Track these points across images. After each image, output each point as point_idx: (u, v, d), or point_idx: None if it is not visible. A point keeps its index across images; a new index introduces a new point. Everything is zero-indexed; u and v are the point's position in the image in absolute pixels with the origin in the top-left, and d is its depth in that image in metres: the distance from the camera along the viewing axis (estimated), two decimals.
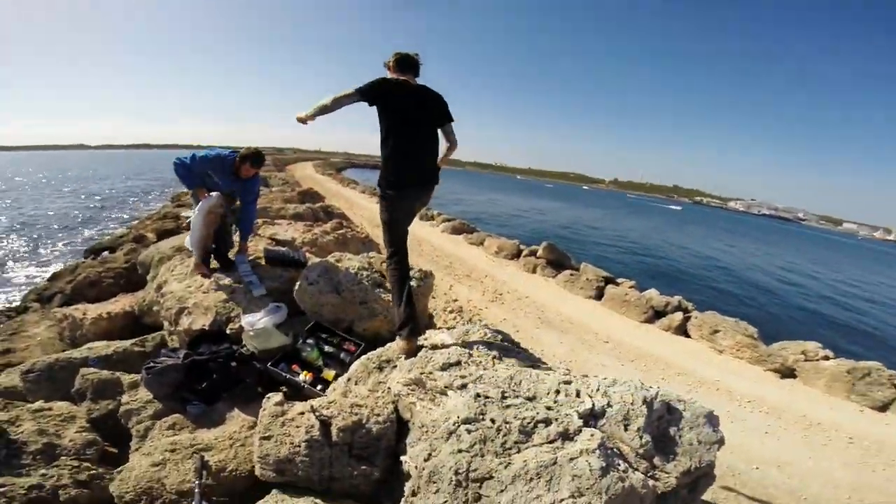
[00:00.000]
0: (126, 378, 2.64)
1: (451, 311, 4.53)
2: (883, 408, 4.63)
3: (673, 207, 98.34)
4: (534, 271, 8.80)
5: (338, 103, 2.41)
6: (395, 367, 2.26)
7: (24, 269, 10.59)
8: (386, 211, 2.61)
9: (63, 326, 4.06)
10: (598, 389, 1.93)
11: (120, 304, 4.20)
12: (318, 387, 2.42)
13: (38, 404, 2.46)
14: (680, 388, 4.68)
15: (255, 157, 3.41)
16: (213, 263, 3.69)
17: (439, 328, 3.64)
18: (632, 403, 1.83)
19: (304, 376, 2.47)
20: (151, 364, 2.36)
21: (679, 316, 6.54)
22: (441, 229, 12.26)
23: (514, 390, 1.86)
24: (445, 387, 1.90)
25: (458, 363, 2.12)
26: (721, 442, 1.84)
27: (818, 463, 3.57)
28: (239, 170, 3.42)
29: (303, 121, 2.47)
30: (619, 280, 8.01)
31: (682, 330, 6.44)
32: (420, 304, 3.22)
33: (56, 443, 2.25)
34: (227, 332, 2.94)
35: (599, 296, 7.57)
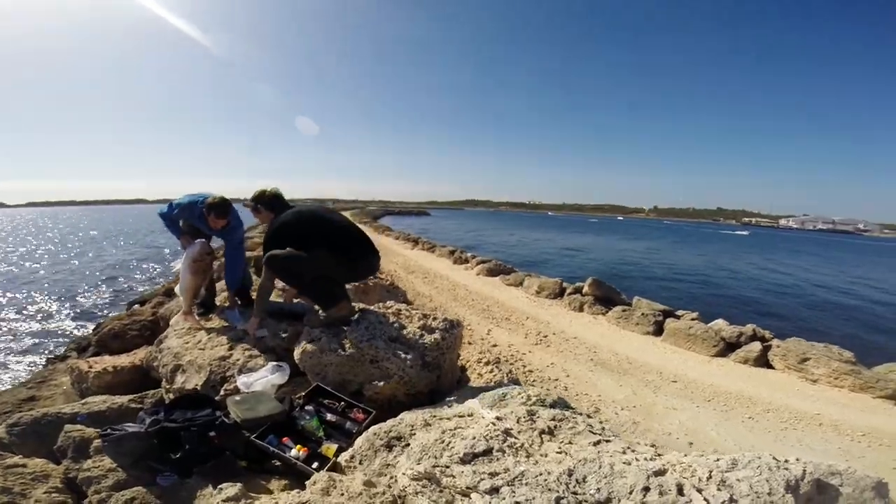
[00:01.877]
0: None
1: (486, 363, 3.94)
2: None
3: (739, 233, 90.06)
4: (580, 310, 8.10)
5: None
6: (408, 445, 1.73)
7: (80, 318, 10.87)
8: None
9: (72, 379, 3.87)
10: (710, 478, 1.32)
11: (129, 358, 3.93)
12: (315, 464, 1.93)
13: (13, 460, 2.20)
14: (773, 426, 4.05)
15: (219, 207, 3.17)
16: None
17: (470, 386, 3.07)
18: (769, 493, 1.22)
19: (296, 451, 1.98)
20: (108, 431, 1.99)
21: (757, 346, 5.81)
22: (476, 272, 11.74)
23: (576, 495, 1.27)
24: (468, 488, 1.35)
25: (489, 451, 1.54)
26: None
27: None
28: (207, 221, 3.20)
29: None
30: (679, 312, 7.27)
31: (762, 361, 5.71)
32: (447, 359, 2.68)
33: (18, 503, 1.95)
34: (223, 392, 2.55)
35: (658, 331, 6.85)
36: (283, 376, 2.59)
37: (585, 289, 8.48)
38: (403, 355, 2.46)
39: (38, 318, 10.95)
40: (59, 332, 9.76)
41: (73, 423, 2.55)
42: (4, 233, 44.92)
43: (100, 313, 11.06)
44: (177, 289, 3.50)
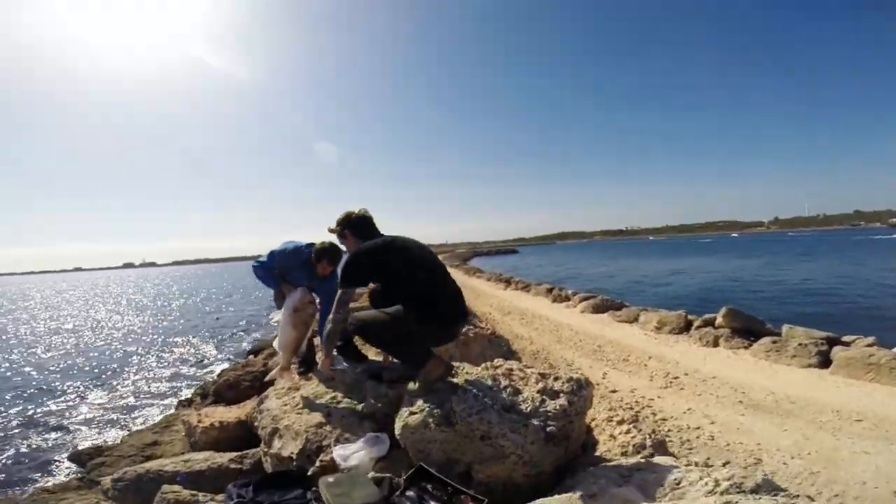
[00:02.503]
0: (206, 500, 2.28)
1: (620, 421, 3.23)
2: None
3: (884, 237, 71.33)
4: (715, 345, 6.91)
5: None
6: None
7: (211, 364, 11.85)
8: None
9: (184, 430, 3.95)
10: None
11: (236, 412, 3.90)
12: None
13: None
14: None
15: (332, 252, 3.01)
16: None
17: (605, 458, 2.45)
18: None
19: None
20: None
21: None
22: (580, 309, 10.79)
23: None
24: None
25: None
26: None
27: None
28: (315, 267, 3.01)
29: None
30: (846, 338, 5.99)
31: None
32: (575, 427, 2.14)
33: None
34: (318, 463, 2.27)
35: (824, 363, 5.61)
36: (381, 449, 2.25)
37: (719, 320, 7.27)
38: (521, 429, 1.97)
39: (178, 363, 12.20)
40: (193, 377, 10.67)
41: (171, 483, 2.57)
42: (157, 289, 52.72)
43: (227, 361, 11.98)
44: (275, 343, 3.33)
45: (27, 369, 12.24)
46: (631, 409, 4.45)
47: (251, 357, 8.74)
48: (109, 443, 5.86)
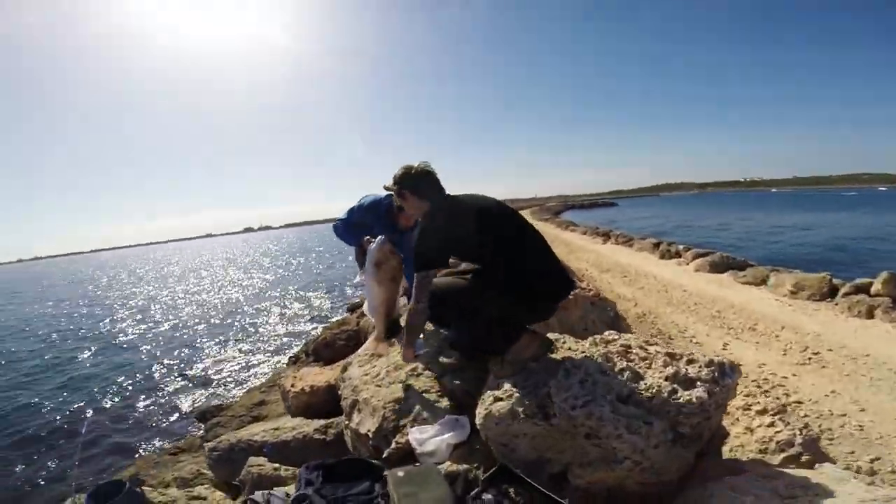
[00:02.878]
0: (287, 474, 2.31)
1: (760, 411, 2.60)
2: None
3: None
4: (870, 316, 5.61)
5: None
6: None
7: (318, 321, 12.75)
8: None
9: (280, 394, 4.09)
10: None
11: (326, 375, 3.92)
12: None
13: (199, 490, 2.38)
14: None
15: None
16: None
17: (741, 462, 1.93)
18: None
19: None
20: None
21: None
22: (694, 267, 9.50)
23: None
24: None
25: None
26: None
27: None
28: (396, 218, 2.68)
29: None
30: None
31: None
32: (713, 424, 1.65)
33: None
34: (394, 445, 2.07)
35: None
36: (460, 434, 1.96)
37: (877, 286, 5.93)
38: (642, 427, 1.53)
39: (293, 320, 13.31)
40: (303, 333, 11.52)
41: (260, 453, 2.61)
42: (275, 251, 58.32)
43: (333, 317, 12.75)
44: (365, 307, 2.99)
45: (169, 329, 14.17)
46: (773, 396, 3.70)
47: (347, 314, 9.09)
48: (229, 400, 6.50)
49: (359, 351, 3.10)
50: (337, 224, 3.05)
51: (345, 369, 3.01)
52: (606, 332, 2.22)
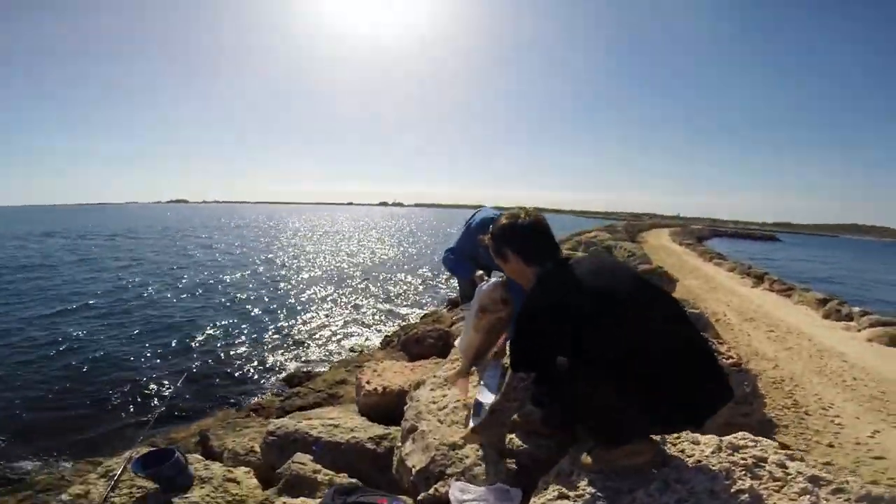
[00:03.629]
0: (324, 479, 2.23)
1: None
2: None
3: None
4: None
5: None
6: None
7: (421, 306, 13.11)
8: None
9: (356, 385, 4.15)
10: None
11: (402, 378, 3.86)
12: None
13: (237, 473, 2.41)
14: None
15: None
16: None
17: None
18: None
19: None
20: None
21: None
22: (866, 336, 7.53)
23: None
24: None
25: None
26: None
27: None
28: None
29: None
30: None
31: None
32: None
33: None
34: (433, 492, 1.89)
35: None
36: None
37: None
38: None
39: (399, 298, 13.91)
40: (402, 316, 11.95)
41: (310, 449, 2.59)
42: (406, 226, 61.81)
43: (433, 306, 12.99)
44: (457, 343, 2.73)
45: (290, 286, 15.71)
46: None
47: (444, 311, 9.11)
48: (318, 371, 6.91)
49: (438, 372, 2.96)
50: (446, 256, 2.85)
51: (417, 386, 2.90)
52: (739, 435, 1.71)
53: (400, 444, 2.43)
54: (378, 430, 2.88)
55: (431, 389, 2.70)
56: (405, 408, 2.81)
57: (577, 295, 1.44)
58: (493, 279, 2.26)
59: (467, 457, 1.99)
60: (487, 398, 2.23)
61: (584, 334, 1.39)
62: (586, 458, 1.62)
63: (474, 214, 2.87)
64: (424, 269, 19.94)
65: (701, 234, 47.45)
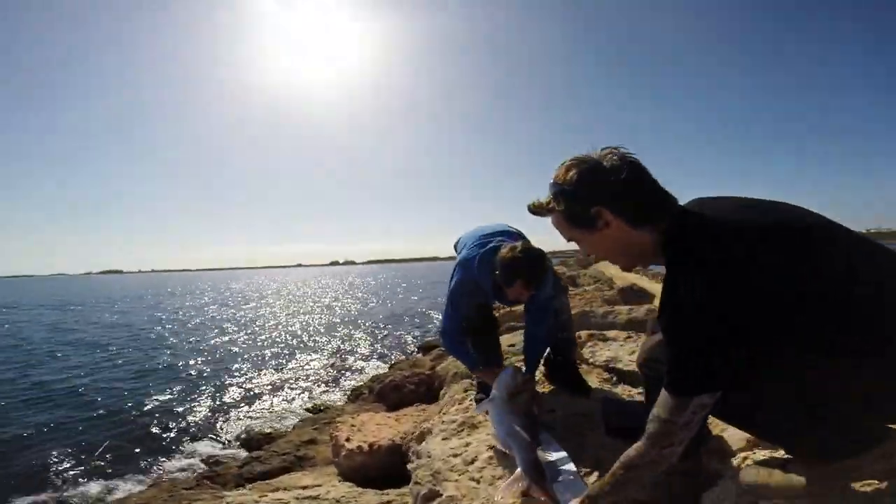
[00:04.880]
0: None
1: None
2: None
3: None
4: None
5: None
6: None
7: (387, 353, 12.03)
8: None
9: (330, 446, 3.29)
10: None
11: (389, 431, 3.06)
12: None
13: None
14: None
15: (528, 266, 1.74)
16: None
17: None
18: None
19: None
20: None
21: None
22: None
23: None
24: None
25: None
26: None
27: None
28: (506, 294, 1.87)
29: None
30: None
31: None
32: None
33: None
34: None
35: None
36: None
37: None
38: None
39: (361, 354, 12.75)
40: (367, 370, 10.82)
41: None
42: (359, 285, 59.94)
43: (404, 353, 11.91)
44: (494, 439, 1.90)
45: (244, 348, 14.27)
46: None
47: (419, 355, 8.27)
48: (281, 429, 5.85)
49: (447, 416, 2.21)
50: (447, 338, 2.21)
51: (421, 438, 2.14)
52: None
53: None
54: (373, 497, 2.10)
55: (444, 439, 1.96)
56: (410, 468, 2.05)
57: (760, 247, 0.87)
58: (508, 369, 1.88)
59: None
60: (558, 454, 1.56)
61: (792, 299, 0.82)
62: (784, 479, 0.98)
63: (464, 258, 2.10)
64: (385, 324, 18.90)
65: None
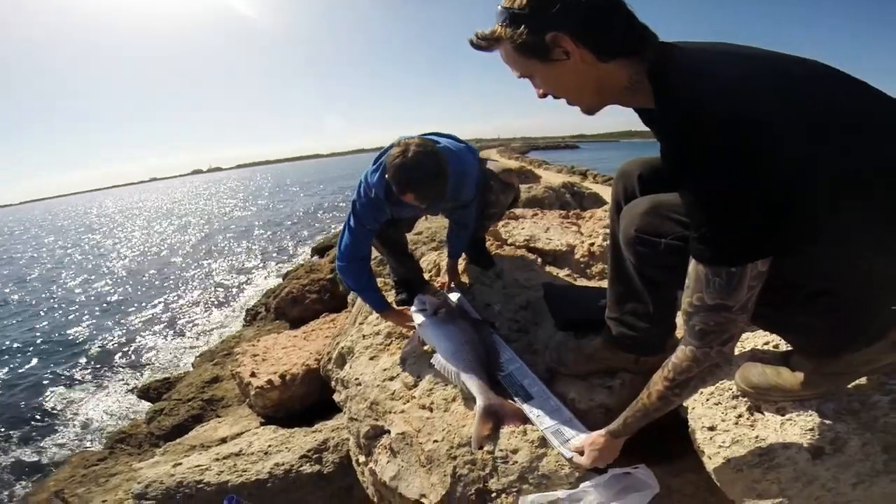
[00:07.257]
0: None
1: None
2: None
3: None
4: None
5: None
6: None
7: (279, 266, 11.11)
8: None
9: (238, 388, 2.91)
10: None
11: (301, 355, 2.72)
12: None
13: None
14: None
15: (417, 175, 1.37)
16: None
17: None
18: None
19: None
20: None
21: None
22: None
23: None
24: None
25: None
26: None
27: None
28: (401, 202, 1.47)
29: None
30: None
31: None
32: None
33: None
34: None
35: None
36: (642, 499, 0.93)
37: None
38: None
39: (247, 268, 11.66)
40: (259, 285, 9.98)
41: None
42: (226, 193, 54.04)
43: (296, 260, 11.06)
44: (433, 361, 1.47)
45: (101, 285, 12.23)
46: None
47: (315, 259, 7.68)
48: (177, 371, 5.25)
49: (367, 327, 1.90)
50: (341, 272, 1.74)
51: (342, 360, 1.84)
52: None
53: (364, 458, 1.44)
54: (306, 439, 1.86)
55: (372, 358, 1.66)
56: (338, 400, 1.79)
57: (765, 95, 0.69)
58: (424, 298, 1.59)
59: (516, 451, 1.13)
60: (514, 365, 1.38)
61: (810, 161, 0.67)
62: (792, 377, 0.90)
63: (355, 194, 1.64)
64: (266, 230, 17.46)
65: (521, 149, 53.88)
